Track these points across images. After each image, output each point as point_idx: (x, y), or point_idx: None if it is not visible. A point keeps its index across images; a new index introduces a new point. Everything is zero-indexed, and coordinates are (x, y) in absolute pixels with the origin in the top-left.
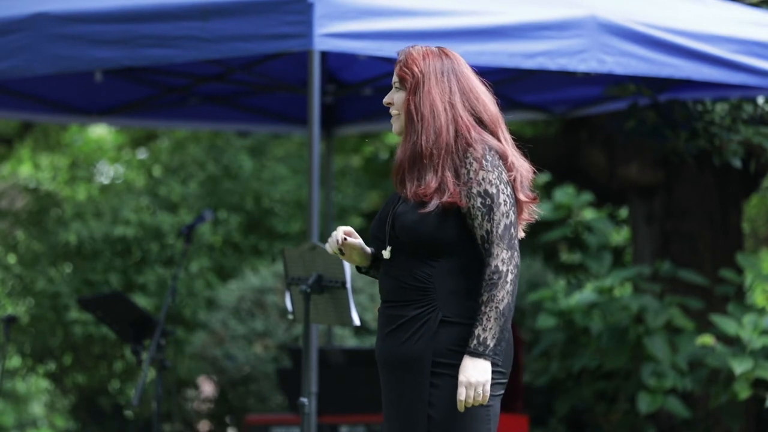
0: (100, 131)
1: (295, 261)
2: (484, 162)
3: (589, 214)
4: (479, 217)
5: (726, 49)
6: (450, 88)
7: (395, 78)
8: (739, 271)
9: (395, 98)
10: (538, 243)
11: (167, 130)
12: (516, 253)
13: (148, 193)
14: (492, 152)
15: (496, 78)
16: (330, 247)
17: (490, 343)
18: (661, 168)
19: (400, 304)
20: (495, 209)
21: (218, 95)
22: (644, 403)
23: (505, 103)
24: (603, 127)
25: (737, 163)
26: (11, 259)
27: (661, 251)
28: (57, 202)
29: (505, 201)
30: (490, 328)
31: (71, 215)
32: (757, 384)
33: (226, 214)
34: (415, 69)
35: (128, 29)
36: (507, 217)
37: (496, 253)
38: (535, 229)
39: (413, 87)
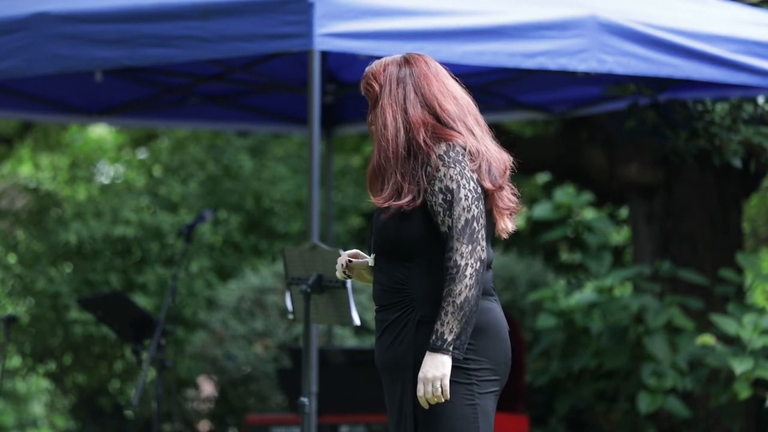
0: (100, 131)
1: (295, 261)
2: (446, 158)
3: (589, 214)
4: (441, 214)
5: (726, 49)
6: (404, 95)
7: None
8: (739, 270)
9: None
10: (538, 243)
11: (167, 130)
12: (479, 247)
13: (148, 193)
14: (455, 148)
15: (496, 78)
16: (338, 274)
17: (448, 337)
18: (661, 168)
19: (384, 308)
20: (455, 204)
21: (218, 95)
22: (644, 403)
23: (505, 103)
24: (603, 127)
25: (737, 163)
26: (11, 259)
27: (661, 251)
28: (57, 202)
29: (466, 195)
30: (448, 323)
31: (71, 215)
32: (757, 384)
33: (226, 214)
34: (374, 84)
35: (128, 29)
36: (468, 211)
37: (455, 247)
38: (535, 229)
39: (374, 102)
